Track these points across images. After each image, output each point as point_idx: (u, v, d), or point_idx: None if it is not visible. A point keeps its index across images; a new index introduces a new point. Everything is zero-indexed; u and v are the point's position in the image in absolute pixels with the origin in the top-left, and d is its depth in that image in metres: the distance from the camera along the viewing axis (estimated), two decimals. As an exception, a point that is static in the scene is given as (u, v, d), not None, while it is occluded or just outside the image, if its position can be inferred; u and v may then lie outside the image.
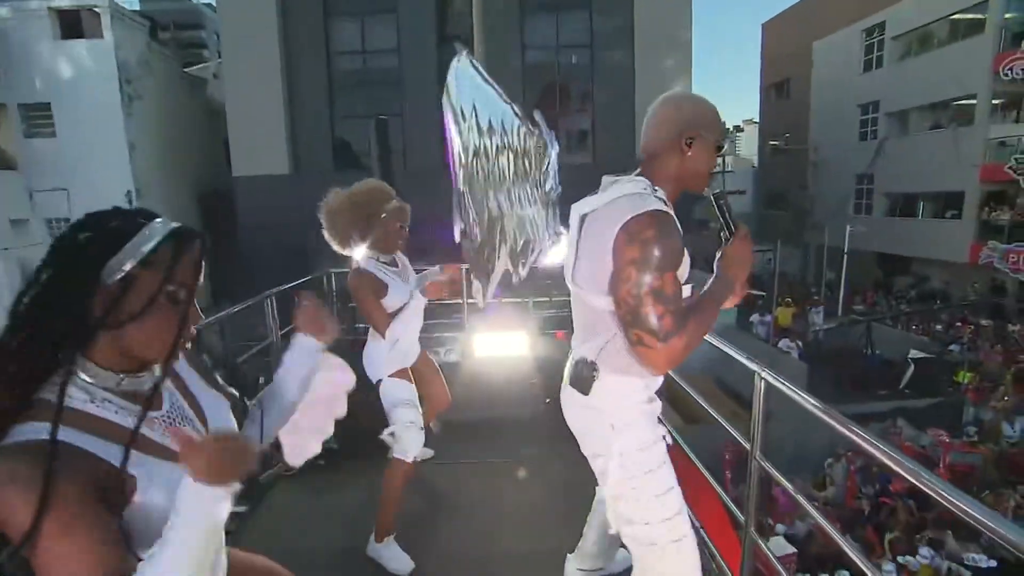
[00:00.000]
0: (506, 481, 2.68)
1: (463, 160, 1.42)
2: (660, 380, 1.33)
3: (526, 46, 10.97)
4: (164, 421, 0.79)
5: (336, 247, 2.08)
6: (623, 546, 1.47)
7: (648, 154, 1.24)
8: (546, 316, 4.39)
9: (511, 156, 1.41)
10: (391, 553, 2.06)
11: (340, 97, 11.14)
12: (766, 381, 1.49)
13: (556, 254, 1.58)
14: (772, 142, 25.04)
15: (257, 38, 10.67)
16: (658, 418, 1.37)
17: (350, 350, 2.06)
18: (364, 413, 2.01)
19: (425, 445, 2.78)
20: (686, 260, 1.19)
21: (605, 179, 1.27)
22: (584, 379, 1.26)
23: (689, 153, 1.20)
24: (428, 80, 10.76)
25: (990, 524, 0.82)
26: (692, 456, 2.03)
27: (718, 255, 1.22)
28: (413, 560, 2.05)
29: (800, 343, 10.10)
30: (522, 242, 1.55)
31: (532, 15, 10.98)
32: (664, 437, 1.32)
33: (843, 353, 9.60)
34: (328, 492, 2.58)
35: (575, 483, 2.36)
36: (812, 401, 1.32)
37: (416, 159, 10.60)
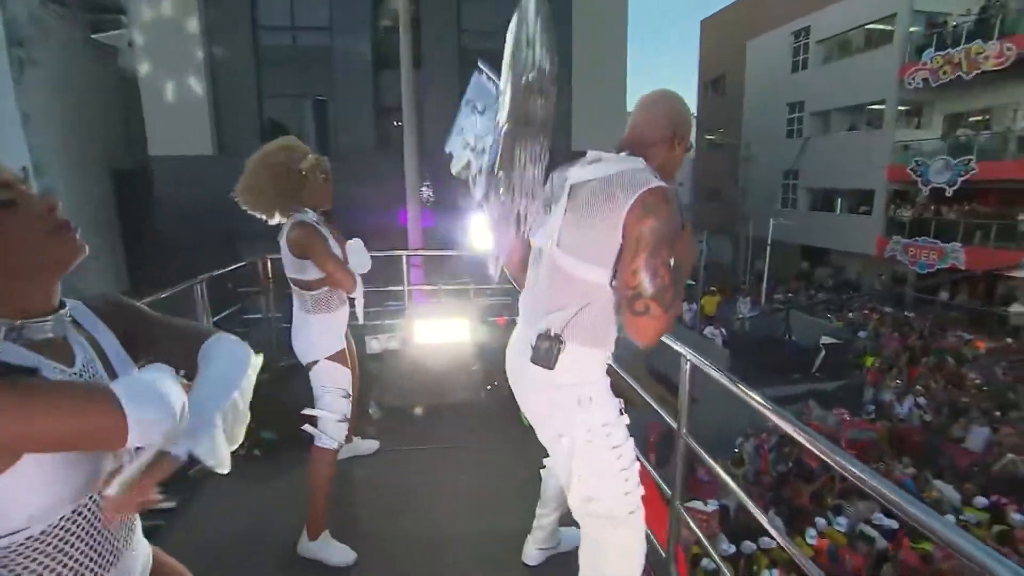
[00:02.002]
0: (449, 466, 2.70)
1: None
2: (610, 354, 1.36)
3: (463, 29, 10.92)
4: (75, 378, 0.74)
5: (265, 216, 1.95)
6: (574, 524, 1.53)
7: (639, 142, 1.30)
8: (488, 303, 4.42)
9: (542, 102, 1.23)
10: (328, 548, 1.98)
11: (268, 75, 10.67)
12: (692, 363, 1.62)
13: (487, 241, 1.62)
14: (708, 136, 26.26)
15: (175, 5, 10.02)
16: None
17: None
18: (303, 402, 2.02)
19: (363, 431, 2.80)
20: None
21: (591, 154, 1.30)
22: (549, 353, 1.24)
23: (677, 150, 1.33)
24: (362, 60, 10.53)
25: (885, 491, 0.94)
26: None
27: None
28: (356, 551, 1.99)
29: (724, 330, 10.81)
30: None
31: (467, 2, 10.94)
32: (622, 411, 1.35)
33: (763, 340, 10.38)
34: (265, 483, 2.50)
35: (518, 465, 2.55)
36: (735, 381, 1.41)
37: (347, 141, 10.39)
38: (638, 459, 1.42)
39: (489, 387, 3.45)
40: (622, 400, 1.38)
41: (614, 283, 1.23)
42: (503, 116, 1.22)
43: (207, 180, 9.78)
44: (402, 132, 6.16)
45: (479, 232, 3.95)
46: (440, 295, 4.28)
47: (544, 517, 1.86)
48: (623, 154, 1.29)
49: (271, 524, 2.22)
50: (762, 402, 1.31)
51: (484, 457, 2.79)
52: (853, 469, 1.01)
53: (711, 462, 1.66)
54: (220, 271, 3.08)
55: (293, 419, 2.02)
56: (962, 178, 14.44)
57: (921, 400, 9.41)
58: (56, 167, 10.25)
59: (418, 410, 3.20)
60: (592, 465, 1.30)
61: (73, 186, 10.26)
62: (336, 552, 1.98)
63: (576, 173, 1.28)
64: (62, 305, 0.78)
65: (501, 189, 1.28)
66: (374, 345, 3.75)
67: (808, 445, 1.14)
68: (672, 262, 1.17)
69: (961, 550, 0.77)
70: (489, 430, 3.06)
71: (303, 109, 10.83)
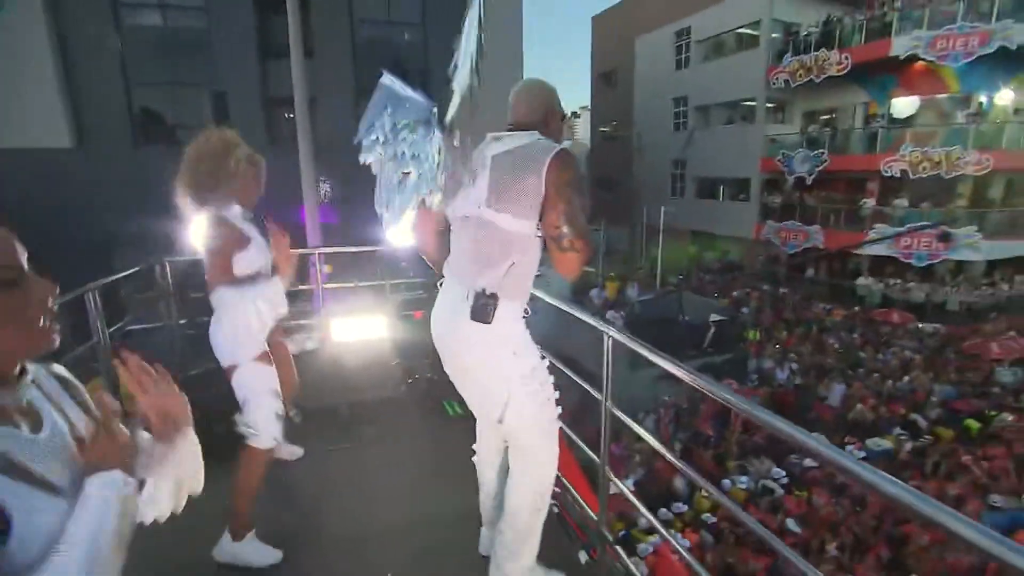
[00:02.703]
0: (374, 462, 2.72)
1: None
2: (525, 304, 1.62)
3: (357, 19, 10.59)
4: (46, 448, 0.71)
5: (191, 207, 1.91)
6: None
7: (524, 125, 1.57)
8: (404, 298, 4.43)
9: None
10: (253, 548, 1.94)
11: (134, 58, 9.61)
12: (612, 339, 1.79)
13: (403, 236, 1.75)
14: (602, 128, 27.60)
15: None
16: None
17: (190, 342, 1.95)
18: (218, 406, 1.99)
19: (286, 436, 2.76)
20: None
21: (491, 135, 1.58)
22: (485, 309, 1.47)
23: (552, 127, 1.61)
24: (245, 47, 9.84)
25: (803, 440, 1.10)
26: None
27: None
28: (282, 551, 1.98)
29: (623, 313, 11.59)
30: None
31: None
32: (543, 356, 1.65)
33: (659, 320, 11.24)
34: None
35: (443, 455, 2.60)
36: (654, 351, 1.57)
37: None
38: (566, 433, 1.66)
39: (410, 380, 3.48)
40: (540, 347, 1.65)
41: (539, 229, 1.48)
42: (452, 115, 1.49)
43: (66, 176, 8.68)
44: (294, 125, 5.92)
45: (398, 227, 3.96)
46: (355, 292, 4.22)
47: (487, 504, 1.94)
48: (521, 132, 1.55)
49: (189, 535, 2.10)
50: (686, 369, 1.47)
51: (409, 450, 2.83)
52: (777, 424, 1.15)
53: (637, 427, 1.87)
54: (113, 277, 2.82)
55: (204, 427, 1.94)
56: (818, 168, 16.58)
57: (794, 366, 10.76)
58: None
59: (339, 409, 3.17)
60: (528, 400, 1.57)
61: None
62: (259, 552, 1.95)
63: (494, 147, 1.54)
64: (24, 371, 0.76)
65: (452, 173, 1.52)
66: (290, 346, 3.64)
67: (732, 406, 1.31)
68: (584, 206, 1.45)
69: (866, 480, 0.94)
70: (412, 423, 3.12)
71: (189, 101, 9.99)
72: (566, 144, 1.53)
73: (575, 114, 52.04)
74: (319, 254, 3.97)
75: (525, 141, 1.51)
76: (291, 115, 9.55)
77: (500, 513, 1.75)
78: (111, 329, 2.71)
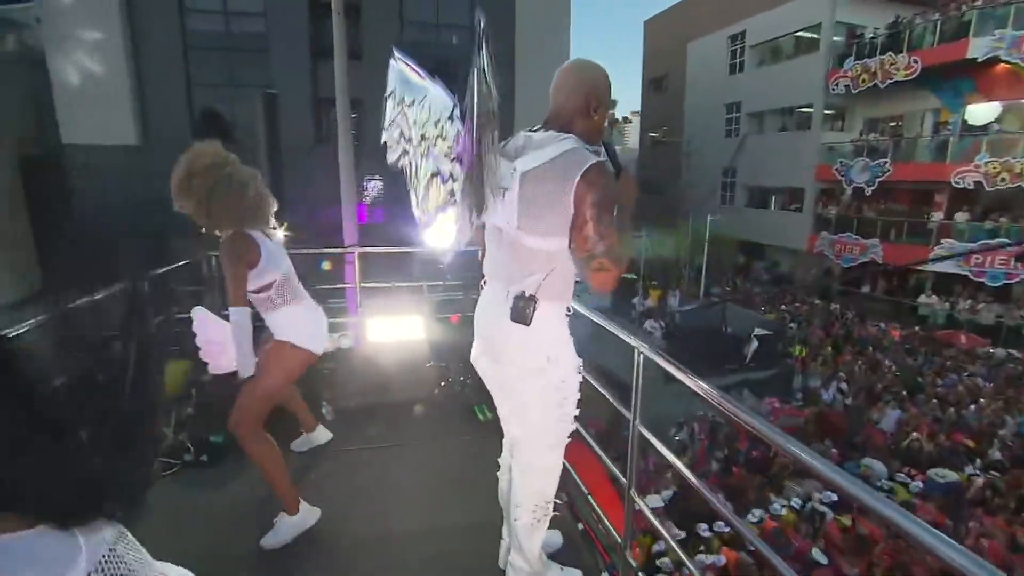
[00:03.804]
0: (404, 464, 2.71)
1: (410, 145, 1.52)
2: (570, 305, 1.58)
3: (406, 21, 10.80)
4: None
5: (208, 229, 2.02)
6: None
7: (559, 114, 1.48)
8: (441, 300, 4.42)
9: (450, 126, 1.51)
10: (302, 518, 2.10)
11: (198, 62, 10.15)
12: (644, 355, 1.70)
13: (446, 239, 1.72)
14: (651, 134, 27.09)
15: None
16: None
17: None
18: None
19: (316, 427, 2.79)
20: None
21: (520, 136, 1.49)
22: (525, 311, 1.44)
23: (595, 117, 1.48)
24: (299, 49, 10.20)
25: (822, 470, 1.05)
26: (581, 429, 2.15)
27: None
28: (308, 551, 2.05)
29: (663, 323, 11.25)
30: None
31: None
32: (580, 370, 1.59)
33: (699, 332, 10.85)
34: (217, 490, 2.44)
35: (473, 461, 2.58)
36: (685, 371, 1.50)
37: (286, 134, 10.07)
38: (594, 451, 1.63)
39: (443, 384, 3.47)
40: (582, 361, 1.60)
41: (572, 247, 1.43)
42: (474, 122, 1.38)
43: (131, 172, 9.22)
44: (352, 124, 6.04)
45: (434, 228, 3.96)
46: (392, 292, 4.25)
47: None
48: (551, 132, 1.44)
49: (230, 532, 2.13)
50: (712, 389, 1.41)
51: (437, 455, 2.80)
52: (797, 452, 1.10)
53: (665, 450, 1.73)
54: (161, 269, 2.93)
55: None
56: (879, 178, 15.64)
57: (843, 386, 10.15)
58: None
59: (371, 409, 3.17)
60: (542, 408, 1.56)
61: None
62: (306, 516, 2.12)
63: (522, 162, 1.43)
64: None
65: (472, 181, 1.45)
66: (327, 344, 3.71)
67: (754, 430, 1.23)
68: (615, 221, 1.38)
69: (888, 518, 0.88)
70: (444, 427, 3.09)
71: (245, 101, 10.44)
72: (595, 158, 1.39)
73: (626, 119, 51.42)
74: (357, 253, 4.00)
75: (555, 153, 1.39)
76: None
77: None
78: (157, 319, 2.79)
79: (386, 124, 1.63)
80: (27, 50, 11.35)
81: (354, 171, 6.09)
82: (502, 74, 1.40)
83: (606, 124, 1.55)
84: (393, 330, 3.44)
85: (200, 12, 10.19)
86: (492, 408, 3.16)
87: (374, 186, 9.71)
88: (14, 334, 1.99)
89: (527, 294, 1.45)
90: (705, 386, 1.43)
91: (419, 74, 1.55)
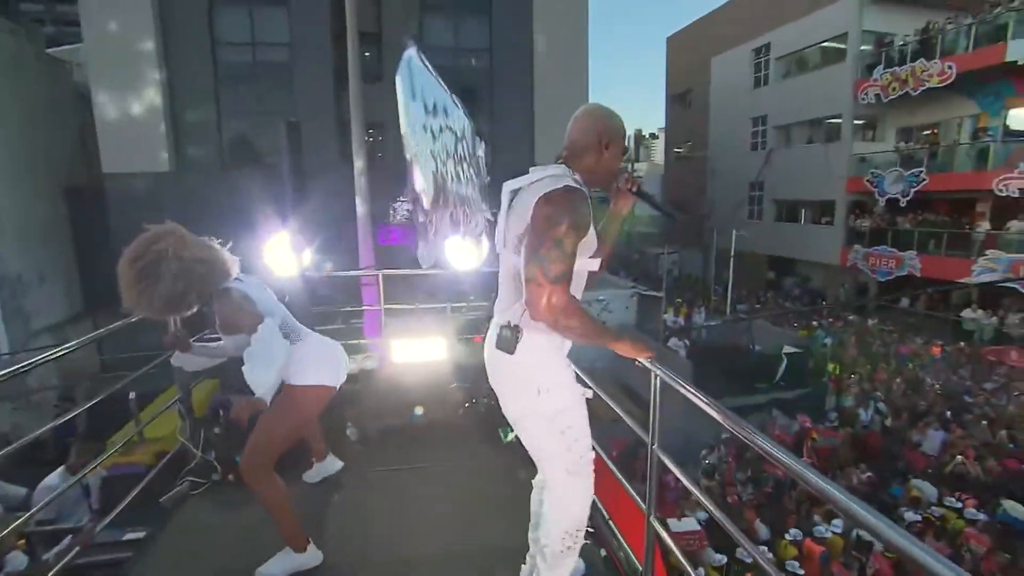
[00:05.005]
0: (429, 485, 2.73)
1: (410, 134, 1.60)
2: (566, 344, 1.58)
3: (425, 45, 11.15)
4: None
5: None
6: None
7: (572, 151, 1.55)
8: (464, 320, 4.45)
9: (451, 136, 1.63)
10: (303, 558, 2.06)
11: (227, 91, 10.67)
12: (661, 379, 1.69)
13: (470, 260, 1.82)
14: (676, 150, 27.03)
15: (130, 19, 9.96)
16: (577, 375, 1.63)
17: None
18: None
19: (340, 454, 2.84)
20: (592, 237, 1.47)
21: (533, 169, 1.56)
22: (508, 340, 1.47)
23: (605, 155, 1.54)
24: (321, 76, 10.61)
25: (840, 500, 0.97)
26: (600, 452, 2.14)
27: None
28: (332, 574, 2.06)
29: (687, 341, 11.11)
30: (461, 213, 1.74)
31: (431, 16, 11.19)
32: (584, 394, 1.60)
33: (726, 350, 10.68)
34: (240, 510, 2.45)
35: (498, 483, 2.62)
36: (701, 397, 1.47)
37: (311, 158, 10.43)
38: (614, 476, 1.62)
39: (468, 405, 3.50)
40: (584, 388, 1.61)
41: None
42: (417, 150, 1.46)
43: (164, 198, 9.68)
44: (378, 146, 6.26)
45: (455, 250, 4.05)
46: (416, 314, 4.33)
47: (533, 541, 1.87)
48: (556, 163, 1.54)
49: (249, 552, 2.15)
50: (730, 417, 1.37)
51: (461, 476, 2.82)
52: (812, 478, 1.06)
53: (683, 477, 1.70)
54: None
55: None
56: (914, 189, 15.23)
57: (881, 406, 9.80)
58: (7, 181, 10.02)
59: (396, 430, 3.22)
60: (547, 438, 1.58)
61: (20, 202, 10.01)
62: (311, 557, 2.09)
63: (518, 181, 1.53)
64: None
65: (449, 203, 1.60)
66: (350, 365, 3.79)
67: (769, 456, 1.20)
68: (567, 246, 1.37)
69: (904, 551, 0.82)
70: (468, 449, 3.12)
71: (266, 128, 10.93)
72: (569, 182, 1.43)
73: (653, 135, 51.52)
74: (379, 276, 4.10)
75: (538, 177, 1.48)
76: (371, 137, 10.14)
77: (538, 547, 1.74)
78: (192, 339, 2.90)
79: (402, 118, 1.73)
80: (73, 86, 12.14)
81: (369, 193, 6.25)
82: (523, 105, 1.49)
83: (619, 166, 1.60)
84: (417, 351, 3.47)
85: (230, 45, 10.73)
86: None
87: (401, 207, 9.94)
88: (60, 352, 2.12)
89: (511, 323, 1.48)
90: (723, 410, 1.39)
91: (429, 68, 1.64)
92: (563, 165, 1.52)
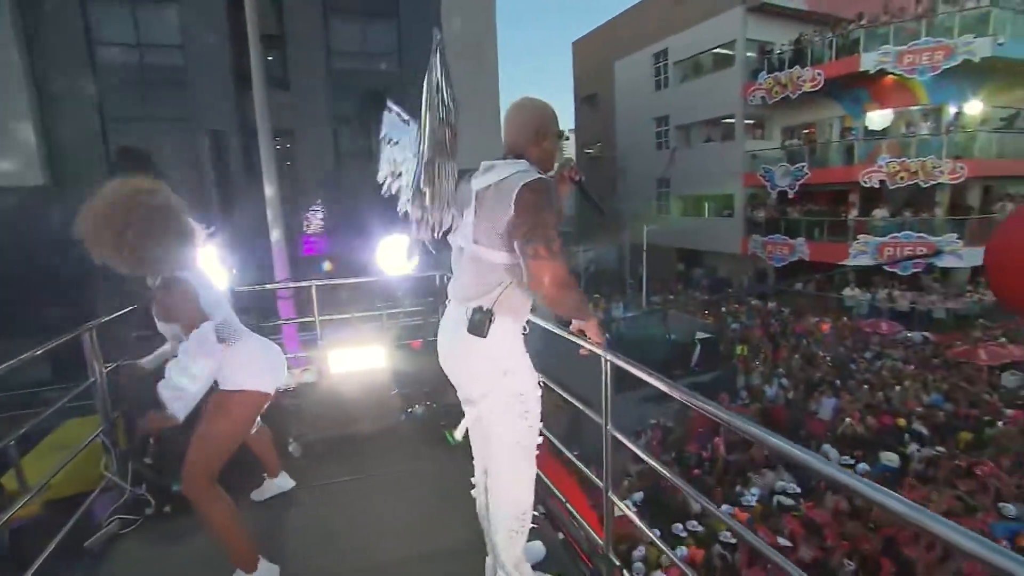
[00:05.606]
0: (376, 494, 2.72)
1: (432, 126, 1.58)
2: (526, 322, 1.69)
3: (332, 51, 10.89)
4: None
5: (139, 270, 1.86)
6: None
7: (512, 149, 1.65)
8: (401, 327, 4.44)
9: (450, 133, 1.63)
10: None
11: (111, 96, 9.78)
12: (611, 362, 1.81)
13: (403, 265, 1.88)
14: (587, 150, 28.20)
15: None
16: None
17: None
18: None
19: (286, 469, 2.77)
20: None
21: (484, 164, 1.64)
22: (481, 324, 1.56)
23: (545, 144, 1.67)
24: (221, 81, 10.04)
25: (803, 458, 1.11)
26: (553, 439, 2.17)
27: None
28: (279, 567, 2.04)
29: (607, 334, 11.71)
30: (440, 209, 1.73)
31: (337, 19, 10.95)
32: (540, 383, 1.72)
33: (644, 339, 11.37)
34: (182, 541, 2.36)
35: (444, 485, 2.64)
36: (654, 374, 1.60)
37: (209, 168, 9.85)
38: (566, 461, 1.71)
39: (409, 410, 3.52)
40: (542, 375, 1.73)
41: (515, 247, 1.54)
42: (424, 146, 1.59)
43: (39, 213, 8.71)
44: (286, 154, 6.05)
45: (389, 255, 4.01)
46: (352, 323, 4.28)
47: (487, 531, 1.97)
48: (509, 159, 1.64)
49: None
50: (684, 391, 1.52)
51: (410, 482, 2.84)
52: (776, 442, 1.18)
53: (639, 451, 1.91)
54: (110, 316, 2.84)
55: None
56: (799, 182, 17.06)
57: (784, 381, 10.89)
58: None
59: (338, 441, 3.18)
60: (506, 420, 1.67)
61: None
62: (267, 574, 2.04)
63: (477, 182, 1.62)
64: None
65: (425, 202, 1.64)
66: (289, 380, 3.70)
67: (732, 427, 1.31)
68: (555, 227, 1.52)
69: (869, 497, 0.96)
70: (414, 453, 3.14)
71: (162, 136, 10.14)
72: (536, 175, 1.56)
73: (564, 136, 53.32)
74: (315, 287, 4.03)
75: (506, 173, 1.57)
76: (279, 145, 9.71)
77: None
78: (109, 367, 2.72)
79: (380, 166, 1.82)
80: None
81: (280, 202, 6.05)
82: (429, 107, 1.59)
83: (558, 151, 1.75)
84: (355, 361, 3.45)
85: (111, 45, 9.85)
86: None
87: (315, 216, 9.63)
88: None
89: (484, 308, 1.58)
90: (675, 386, 1.54)
91: (405, 119, 1.73)
92: (522, 160, 1.63)
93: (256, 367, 2.07)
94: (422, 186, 1.63)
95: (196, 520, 2.02)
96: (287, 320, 5.01)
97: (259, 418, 2.46)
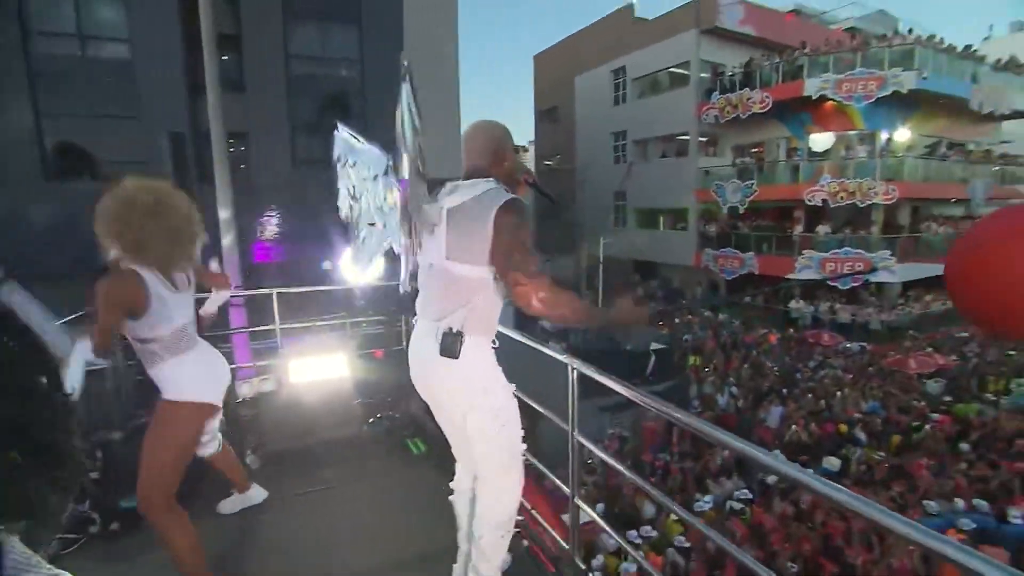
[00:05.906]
0: (338, 505, 2.69)
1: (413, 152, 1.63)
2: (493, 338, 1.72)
3: (290, 54, 10.69)
4: None
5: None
6: None
7: (478, 169, 1.70)
8: (363, 336, 4.42)
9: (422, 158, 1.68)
10: None
11: (48, 90, 9.23)
12: (577, 370, 1.86)
13: (368, 272, 1.91)
14: (546, 162, 28.63)
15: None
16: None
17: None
18: None
19: (251, 479, 2.70)
20: None
21: (449, 184, 1.70)
22: (453, 346, 1.60)
23: (506, 164, 1.74)
24: (172, 80, 9.67)
25: (769, 463, 1.20)
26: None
27: None
28: None
29: (565, 344, 11.89)
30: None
31: (297, 22, 10.77)
32: (514, 394, 1.76)
33: (600, 351, 11.59)
34: (132, 557, 2.28)
35: (410, 493, 2.64)
36: (620, 382, 1.69)
37: (154, 171, 9.45)
38: (535, 466, 1.76)
39: (372, 420, 3.49)
40: (514, 385, 1.78)
41: (495, 273, 1.62)
42: (408, 173, 1.65)
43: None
44: (240, 158, 5.89)
45: (349, 264, 4.00)
46: (314, 331, 4.21)
47: (464, 540, 1.98)
48: (474, 180, 1.68)
49: None
50: (651, 398, 1.62)
51: (373, 491, 2.81)
52: (740, 446, 1.27)
53: (606, 457, 1.99)
54: (66, 319, 2.68)
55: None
56: (749, 198, 17.89)
57: (734, 390, 11.32)
58: None
59: (300, 452, 3.12)
60: (489, 436, 1.70)
61: None
62: None
63: (448, 200, 1.66)
64: None
65: (412, 228, 1.70)
66: (244, 389, 3.58)
67: (697, 431, 1.41)
68: (530, 248, 1.60)
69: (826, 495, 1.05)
70: (378, 463, 3.11)
71: (107, 134, 9.63)
72: (510, 195, 1.63)
73: (523, 148, 53.95)
74: (276, 294, 3.94)
75: (477, 192, 1.62)
76: (234, 148, 9.41)
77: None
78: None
79: (338, 188, 1.83)
80: None
81: (232, 208, 5.90)
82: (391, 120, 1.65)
83: (516, 168, 1.83)
84: (316, 370, 3.40)
85: (49, 35, 9.33)
86: (425, 440, 3.29)
87: (270, 222, 9.37)
88: None
89: (454, 330, 1.61)
90: (642, 393, 1.64)
91: (358, 139, 1.76)
92: (491, 179, 1.68)
93: (202, 378, 2.04)
94: (410, 211, 1.68)
95: (152, 539, 1.95)
96: (243, 329, 4.87)
97: (219, 435, 2.40)
